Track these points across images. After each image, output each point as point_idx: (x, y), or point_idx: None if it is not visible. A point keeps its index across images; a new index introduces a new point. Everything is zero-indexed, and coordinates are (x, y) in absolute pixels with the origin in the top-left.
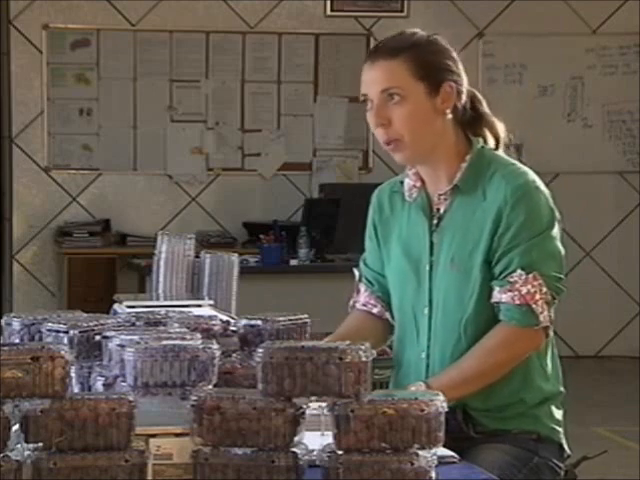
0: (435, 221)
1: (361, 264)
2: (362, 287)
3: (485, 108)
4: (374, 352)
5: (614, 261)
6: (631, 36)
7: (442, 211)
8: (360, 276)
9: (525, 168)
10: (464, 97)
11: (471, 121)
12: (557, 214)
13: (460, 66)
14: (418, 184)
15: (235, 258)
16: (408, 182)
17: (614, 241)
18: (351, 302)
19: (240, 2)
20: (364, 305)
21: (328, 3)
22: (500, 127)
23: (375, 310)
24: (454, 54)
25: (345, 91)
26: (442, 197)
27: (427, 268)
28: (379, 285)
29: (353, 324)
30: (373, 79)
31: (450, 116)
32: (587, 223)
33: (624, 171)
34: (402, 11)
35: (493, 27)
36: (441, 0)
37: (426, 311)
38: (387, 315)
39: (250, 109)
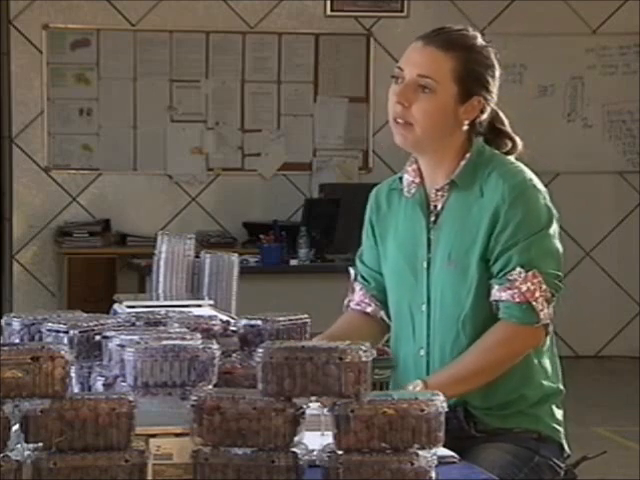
0: (432, 218)
1: (357, 262)
2: (357, 286)
3: (505, 127)
4: (374, 352)
5: (614, 261)
6: (631, 36)
7: (439, 208)
8: (355, 275)
9: (523, 167)
10: (485, 115)
11: (492, 136)
12: (554, 212)
13: (496, 85)
14: (417, 180)
15: (235, 258)
16: (407, 178)
17: (614, 241)
18: (346, 301)
19: (240, 2)
20: (358, 304)
21: (328, 3)
22: (518, 145)
23: (369, 309)
24: (497, 72)
25: (345, 91)
26: (439, 193)
27: (424, 265)
28: (375, 282)
29: (346, 324)
30: (416, 61)
31: (466, 127)
32: (587, 223)
33: (624, 171)
34: (402, 11)
35: (493, 27)
36: (441, 0)
37: (424, 308)
38: (381, 314)
39: (250, 109)
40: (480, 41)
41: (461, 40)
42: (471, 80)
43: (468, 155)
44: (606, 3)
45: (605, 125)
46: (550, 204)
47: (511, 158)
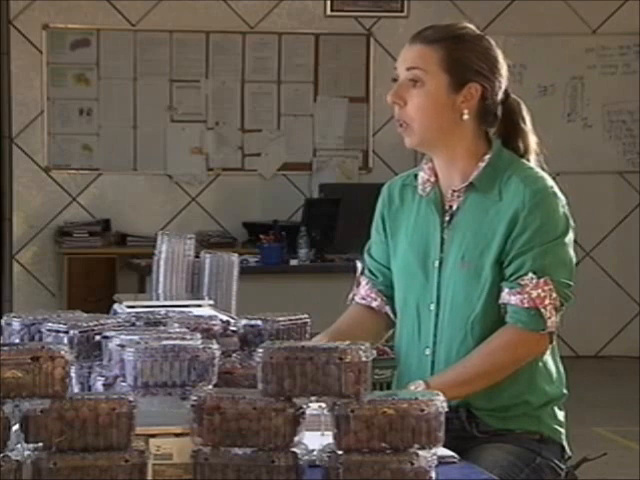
0: (447, 218)
1: (365, 256)
2: (363, 280)
3: (525, 126)
4: (374, 352)
5: (614, 261)
6: (631, 36)
7: (455, 208)
8: (363, 268)
9: (543, 173)
10: (493, 102)
11: (507, 134)
12: (572, 222)
13: (499, 72)
14: (432, 179)
15: (235, 258)
16: (423, 176)
17: (614, 241)
18: (350, 295)
19: (240, 2)
20: (363, 298)
21: (328, 3)
22: (532, 141)
23: (374, 304)
24: (500, 59)
25: (345, 91)
26: (456, 194)
27: (436, 264)
28: (383, 277)
29: (351, 318)
30: (404, 58)
31: (467, 117)
32: (587, 223)
33: (624, 171)
34: (402, 11)
35: (493, 27)
36: (441, 0)
37: (432, 307)
38: (386, 309)
39: (250, 109)
40: (470, 31)
41: (446, 32)
42: (461, 67)
43: (487, 157)
44: (606, 3)
45: (605, 125)
46: (568, 213)
47: (529, 163)
